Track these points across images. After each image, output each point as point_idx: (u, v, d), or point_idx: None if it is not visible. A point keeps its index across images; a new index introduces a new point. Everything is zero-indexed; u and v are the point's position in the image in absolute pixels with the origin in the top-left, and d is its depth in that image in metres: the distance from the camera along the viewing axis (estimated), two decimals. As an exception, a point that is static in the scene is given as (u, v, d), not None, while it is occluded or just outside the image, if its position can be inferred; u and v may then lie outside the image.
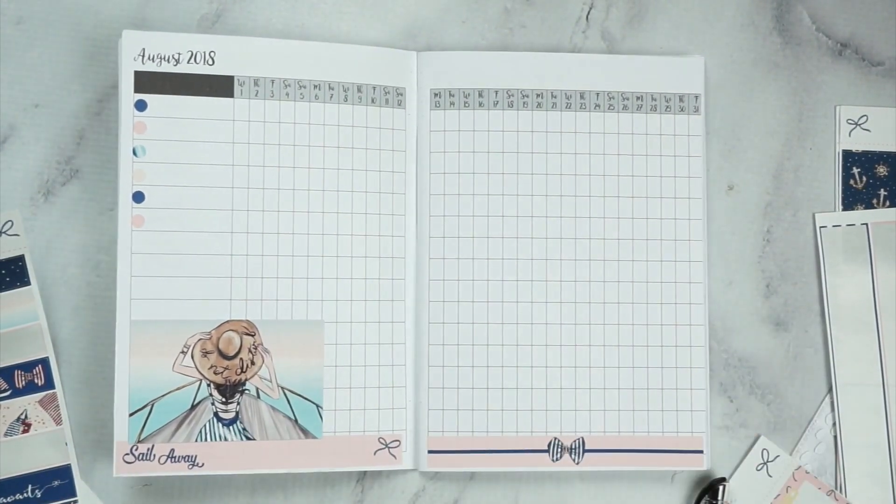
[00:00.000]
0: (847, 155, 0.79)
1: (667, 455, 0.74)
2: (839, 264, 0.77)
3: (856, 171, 0.78)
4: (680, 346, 0.75)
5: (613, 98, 0.77)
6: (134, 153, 0.73)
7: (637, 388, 0.75)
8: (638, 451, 0.74)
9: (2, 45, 0.75)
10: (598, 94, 0.77)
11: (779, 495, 0.76)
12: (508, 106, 0.76)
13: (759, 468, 0.76)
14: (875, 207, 0.78)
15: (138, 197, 0.73)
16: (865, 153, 0.79)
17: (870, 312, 0.77)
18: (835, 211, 0.78)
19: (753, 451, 0.76)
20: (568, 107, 0.76)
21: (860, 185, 0.78)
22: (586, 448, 0.74)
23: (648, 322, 0.75)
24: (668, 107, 0.77)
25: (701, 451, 0.75)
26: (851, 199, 0.78)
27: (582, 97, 0.77)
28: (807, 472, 0.76)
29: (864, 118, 0.79)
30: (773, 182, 0.79)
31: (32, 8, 0.75)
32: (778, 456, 0.76)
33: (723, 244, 0.78)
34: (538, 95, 0.76)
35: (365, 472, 0.75)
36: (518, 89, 0.76)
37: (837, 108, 0.79)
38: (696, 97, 0.77)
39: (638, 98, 0.77)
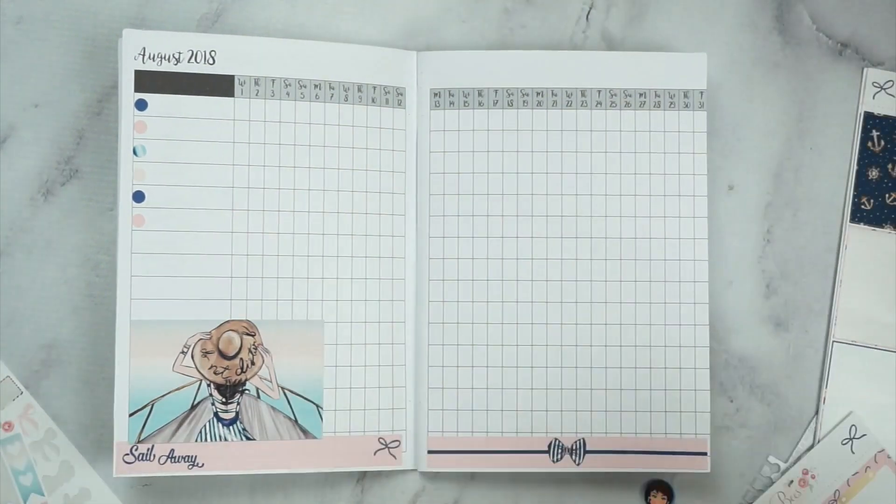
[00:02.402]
0: (868, 117, 0.79)
1: (669, 457, 0.74)
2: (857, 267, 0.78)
3: (875, 133, 0.78)
4: (682, 347, 0.75)
5: (615, 95, 0.76)
6: (134, 152, 0.73)
7: (639, 389, 0.75)
8: (640, 453, 0.74)
9: (2, 45, 0.75)
10: (598, 91, 0.76)
11: (857, 473, 0.76)
12: (508, 105, 0.76)
13: (844, 443, 0.76)
14: (890, 174, 0.78)
15: (138, 196, 0.72)
16: (887, 117, 0.79)
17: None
18: (848, 176, 0.78)
19: (842, 425, 0.76)
20: (568, 105, 0.76)
21: (877, 149, 0.78)
22: (587, 449, 0.74)
23: (651, 322, 0.75)
24: (672, 103, 0.76)
25: (705, 454, 0.74)
26: (867, 160, 0.78)
27: (583, 95, 0.76)
28: (889, 457, 0.76)
29: (891, 83, 0.79)
30: (773, 182, 0.79)
31: (32, 8, 0.75)
32: (864, 434, 0.76)
33: (723, 244, 0.78)
34: (538, 94, 0.76)
35: (365, 473, 0.75)
36: (518, 88, 0.76)
37: (865, 69, 0.79)
38: (701, 93, 0.77)
39: (641, 95, 0.76)
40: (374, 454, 0.73)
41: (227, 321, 0.73)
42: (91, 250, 0.75)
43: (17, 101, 0.75)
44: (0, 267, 0.74)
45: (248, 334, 0.73)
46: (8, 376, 0.73)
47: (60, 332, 0.74)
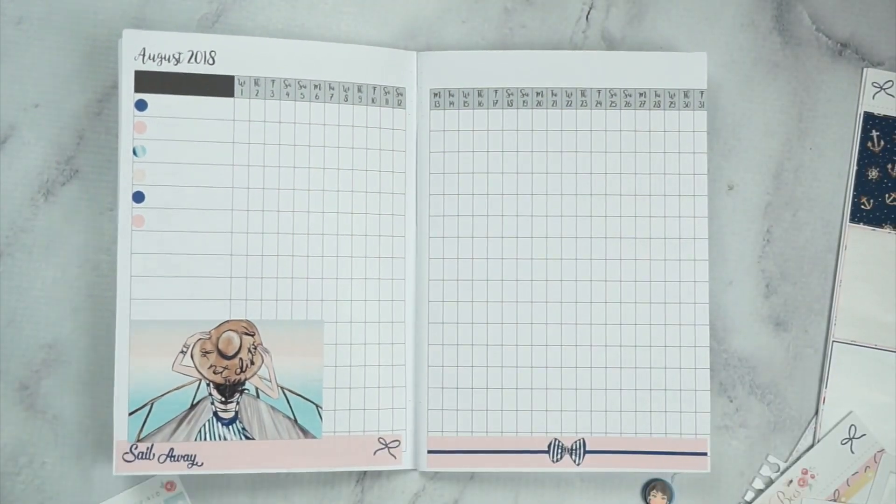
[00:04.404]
0: (868, 117, 0.79)
1: (669, 457, 0.74)
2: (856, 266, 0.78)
3: (875, 133, 0.78)
4: (683, 347, 0.75)
5: (615, 95, 0.76)
6: (134, 153, 0.73)
7: (639, 389, 0.75)
8: (639, 453, 0.74)
9: (2, 45, 0.75)
10: (598, 91, 0.76)
11: (856, 473, 0.75)
12: (508, 105, 0.76)
13: (843, 442, 0.76)
14: (890, 174, 0.78)
15: (138, 197, 0.73)
16: (887, 117, 0.79)
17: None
18: (848, 176, 0.78)
19: (842, 424, 0.76)
20: (568, 105, 0.76)
21: (877, 149, 0.78)
22: (587, 449, 0.74)
23: (651, 322, 0.75)
24: (672, 103, 0.76)
25: (705, 454, 0.74)
26: (866, 160, 0.78)
27: (582, 94, 0.76)
28: (888, 457, 0.76)
29: (890, 83, 0.79)
30: (773, 182, 0.79)
31: (32, 8, 0.75)
32: (864, 434, 0.75)
33: (723, 244, 0.78)
34: (538, 94, 0.76)
35: (365, 472, 0.75)
36: (518, 88, 0.76)
37: (864, 69, 0.79)
38: (701, 93, 0.77)
39: (641, 94, 0.76)
40: (374, 454, 0.73)
41: (227, 321, 0.73)
42: (91, 250, 0.75)
43: (17, 101, 0.75)
44: (0, 267, 0.74)
45: (247, 334, 0.73)
46: None
47: (60, 332, 0.74)
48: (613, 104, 0.76)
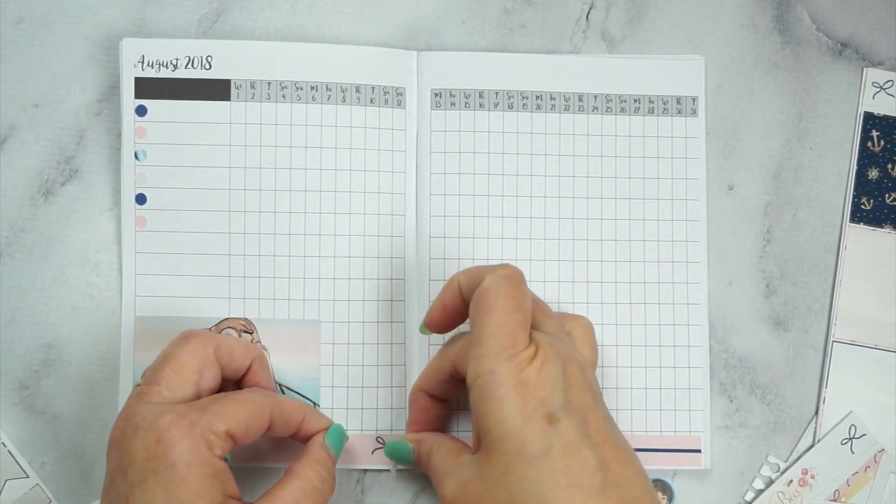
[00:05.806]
0: (868, 117, 0.78)
1: (666, 454, 0.74)
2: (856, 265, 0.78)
3: (875, 133, 0.78)
4: (679, 346, 0.75)
5: (611, 101, 0.77)
6: (136, 157, 0.73)
7: (635, 388, 0.75)
8: (636, 451, 0.74)
9: (2, 45, 0.75)
10: (596, 96, 0.77)
11: (856, 473, 0.75)
12: (509, 107, 0.76)
13: (844, 442, 0.76)
14: (890, 174, 0.78)
15: (140, 199, 0.73)
16: (887, 117, 0.78)
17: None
18: (848, 176, 0.78)
19: (842, 424, 0.76)
20: (567, 109, 0.76)
21: (877, 149, 0.78)
22: (586, 448, 0.74)
23: (646, 322, 0.75)
24: (665, 109, 0.77)
25: (699, 451, 0.74)
26: (866, 160, 0.78)
27: (580, 99, 0.77)
28: (889, 457, 0.76)
29: (891, 83, 0.79)
30: (773, 182, 0.78)
31: (32, 8, 0.76)
32: (864, 434, 0.75)
33: (723, 244, 0.78)
34: (538, 97, 0.76)
35: (365, 472, 0.75)
36: (518, 91, 0.76)
37: (865, 69, 0.79)
38: (694, 99, 0.77)
39: (635, 101, 0.77)
40: (373, 453, 0.73)
41: (226, 318, 0.73)
42: (91, 250, 0.75)
43: (17, 101, 0.75)
44: (0, 267, 0.74)
45: (245, 332, 0.73)
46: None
47: (60, 332, 0.74)
48: (609, 109, 0.77)
